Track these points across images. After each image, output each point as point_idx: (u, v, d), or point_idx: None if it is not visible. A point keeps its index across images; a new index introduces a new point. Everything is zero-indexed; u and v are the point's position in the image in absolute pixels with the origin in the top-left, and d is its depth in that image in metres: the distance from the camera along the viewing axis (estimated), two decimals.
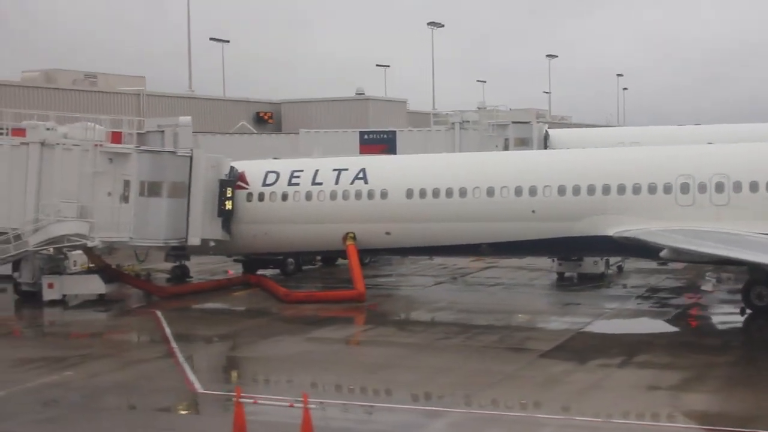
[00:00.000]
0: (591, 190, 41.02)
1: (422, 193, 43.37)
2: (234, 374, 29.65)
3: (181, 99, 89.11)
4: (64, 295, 43.00)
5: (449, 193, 42.95)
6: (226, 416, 22.71)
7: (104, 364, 30.43)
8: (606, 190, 40.84)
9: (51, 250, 43.59)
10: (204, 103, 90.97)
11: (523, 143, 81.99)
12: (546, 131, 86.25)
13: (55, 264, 44.84)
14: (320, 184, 45.14)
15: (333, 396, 25.75)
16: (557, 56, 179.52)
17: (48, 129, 43.10)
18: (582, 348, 31.41)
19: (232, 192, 45.37)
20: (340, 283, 48.28)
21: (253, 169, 46.85)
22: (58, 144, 42.67)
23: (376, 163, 46.10)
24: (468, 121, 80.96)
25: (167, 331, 35.69)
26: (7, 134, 43.65)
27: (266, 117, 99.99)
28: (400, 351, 31.67)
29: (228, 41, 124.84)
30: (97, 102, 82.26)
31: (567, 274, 47.59)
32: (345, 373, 28.75)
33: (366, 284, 42.13)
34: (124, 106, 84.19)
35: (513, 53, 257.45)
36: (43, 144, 42.67)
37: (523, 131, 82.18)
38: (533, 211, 41.51)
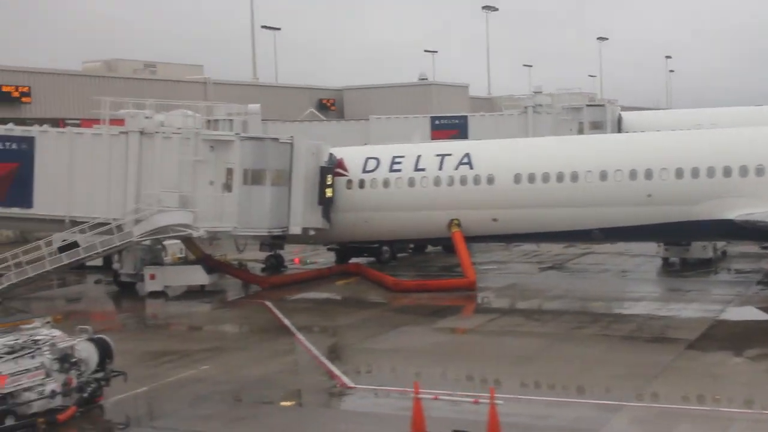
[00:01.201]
0: (711, 172, 39.59)
1: (531, 178, 42.08)
2: (380, 367, 28.40)
3: (246, 87, 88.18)
4: (167, 287, 42.13)
5: (560, 177, 41.66)
6: (399, 413, 21.65)
7: (238, 358, 29.46)
8: (727, 172, 39.40)
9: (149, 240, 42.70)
10: (268, 91, 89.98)
11: (598, 127, 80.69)
12: (619, 114, 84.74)
13: (155, 255, 44.01)
14: (423, 170, 43.97)
15: (496, 390, 24.48)
16: (607, 39, 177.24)
17: (146, 117, 42.23)
18: (729, 336, 30.14)
19: (332, 179, 44.25)
20: (438, 270, 47.34)
21: (352, 155, 45.76)
22: (157, 132, 41.77)
23: (482, 148, 44.90)
24: (541, 105, 79.46)
25: (286, 322, 34.68)
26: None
27: (329, 104, 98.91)
28: (539, 341, 30.48)
29: (279, 29, 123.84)
30: (164, 91, 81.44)
31: (671, 259, 46.19)
32: (495, 366, 27.54)
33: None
34: (190, 94, 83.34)
35: (555, 36, 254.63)
36: (142, 133, 41.79)
37: (598, 114, 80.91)
38: (649, 195, 40.14)
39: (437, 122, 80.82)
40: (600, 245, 50.92)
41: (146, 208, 40.85)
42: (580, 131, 79.41)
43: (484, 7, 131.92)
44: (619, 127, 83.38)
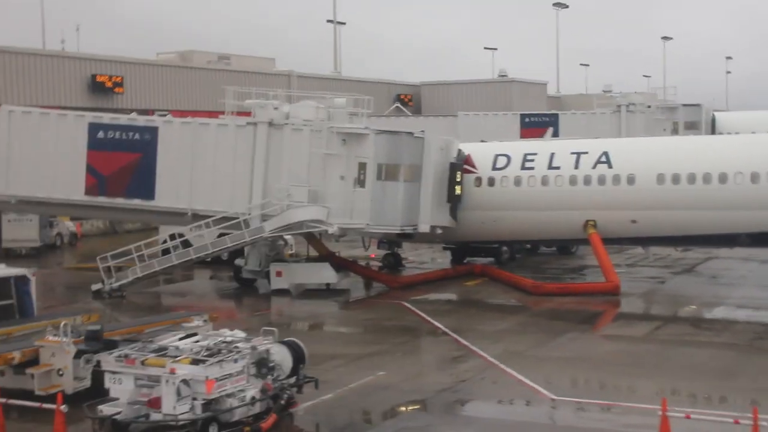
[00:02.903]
0: None
1: (675, 179, 40.15)
2: (570, 378, 26.60)
3: (327, 80, 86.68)
4: (293, 284, 40.58)
5: (707, 178, 39.71)
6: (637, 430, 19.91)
7: (410, 363, 28.04)
8: None
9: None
10: (349, 85, 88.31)
11: (693, 127, 78.50)
12: (713, 115, 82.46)
13: (277, 251, 42.50)
14: (557, 168, 42.13)
15: (719, 407, 22.69)
16: (672, 38, 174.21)
17: (275, 108, 40.71)
18: None
19: (461, 176, 42.49)
20: (563, 273, 45.59)
21: (481, 151, 44.02)
22: (286, 124, 40.23)
23: (621, 146, 43.08)
24: (634, 104, 77.26)
25: (438, 324, 33.06)
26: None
27: (406, 99, 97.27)
28: (728, 353, 28.62)
29: (344, 23, 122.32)
30: (246, 83, 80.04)
31: None
32: (700, 381, 25.58)
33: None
34: (274, 87, 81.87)
35: (609, 35, 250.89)
36: (270, 124, 40.28)
37: (693, 114, 78.66)
38: None
39: (527, 119, 78.93)
40: (720, 250, 48.79)
41: (276, 202, 39.32)
42: (674, 131, 77.29)
43: (554, 4, 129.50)
44: (713, 128, 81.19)
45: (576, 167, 41.79)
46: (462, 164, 42.68)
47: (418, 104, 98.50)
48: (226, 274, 45.69)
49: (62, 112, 44.38)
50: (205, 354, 21.07)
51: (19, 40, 70.16)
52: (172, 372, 20.05)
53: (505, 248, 47.60)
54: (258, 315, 36.41)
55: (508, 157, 43.16)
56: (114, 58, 67.88)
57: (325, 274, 40.70)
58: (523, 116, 79.21)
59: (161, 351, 21.52)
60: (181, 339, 22.59)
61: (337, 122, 39.82)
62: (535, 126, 77.60)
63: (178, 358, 20.72)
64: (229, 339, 22.38)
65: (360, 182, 39.42)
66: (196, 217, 40.83)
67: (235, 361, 21.06)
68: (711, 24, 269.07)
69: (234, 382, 20.89)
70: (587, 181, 41.47)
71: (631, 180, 40.82)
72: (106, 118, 42.92)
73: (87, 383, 23.86)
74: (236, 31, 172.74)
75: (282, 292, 40.53)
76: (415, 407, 23.27)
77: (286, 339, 23.19)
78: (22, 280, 29.12)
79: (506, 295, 39.82)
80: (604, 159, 41.54)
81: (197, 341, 22.24)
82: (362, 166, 39.48)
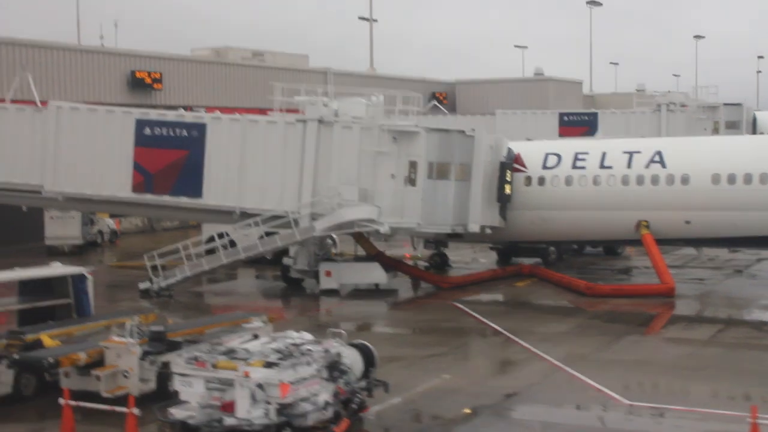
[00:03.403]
0: None
1: (731, 179, 39.47)
2: (638, 382, 25.93)
3: (364, 77, 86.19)
4: (342, 284, 40.18)
5: (764, 179, 38.99)
6: None
7: (475, 366, 27.73)
8: None
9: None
10: (384, 82, 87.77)
11: (734, 126, 77.49)
12: (754, 114, 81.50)
13: (326, 251, 42.05)
14: (609, 167, 41.50)
15: None
16: (704, 37, 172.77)
17: (324, 105, 40.26)
18: None
19: (511, 175, 41.90)
20: (613, 273, 44.93)
21: (531, 150, 43.43)
22: (336, 121, 39.77)
23: (674, 146, 42.34)
24: (674, 103, 76.39)
25: (494, 326, 32.57)
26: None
27: (441, 97, 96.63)
28: None
29: (376, 20, 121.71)
30: (283, 80, 79.70)
31: None
32: None
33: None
34: (312, 83, 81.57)
35: (638, 34, 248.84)
36: (320, 121, 39.83)
37: (734, 114, 77.63)
38: None
39: (566, 118, 78.18)
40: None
41: (326, 201, 38.89)
42: (715, 131, 76.33)
43: (588, 2, 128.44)
44: (754, 128, 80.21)
45: (629, 167, 41.16)
46: (512, 163, 42.10)
47: (452, 102, 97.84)
48: (271, 273, 45.32)
49: (110, 108, 44.03)
50: (277, 357, 20.62)
51: (53, 36, 70.07)
52: (246, 375, 19.60)
53: (552, 248, 46.91)
54: (310, 315, 35.99)
55: (559, 156, 42.56)
56: (153, 54, 67.56)
57: (375, 274, 40.24)
58: (561, 115, 78.47)
59: (230, 353, 21.09)
60: (248, 341, 22.19)
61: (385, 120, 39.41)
62: (574, 125, 76.91)
63: (250, 361, 20.27)
64: (298, 341, 21.93)
65: (411, 181, 38.96)
66: (244, 215, 40.43)
67: (309, 364, 20.60)
68: (739, 23, 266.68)
69: (307, 386, 20.42)
70: (640, 180, 40.82)
71: (685, 180, 40.16)
72: (154, 114, 42.58)
73: (152, 385, 23.49)
74: (266, 28, 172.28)
75: (330, 292, 40.11)
76: (488, 412, 22.73)
77: (356, 341, 22.70)
78: (79, 279, 28.80)
79: (559, 296, 39.20)
80: (657, 158, 40.89)
81: (266, 343, 21.81)
82: (413, 165, 39.03)
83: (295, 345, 21.56)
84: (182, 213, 43.26)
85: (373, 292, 40.25)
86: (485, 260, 48.90)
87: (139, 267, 42.79)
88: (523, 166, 42.66)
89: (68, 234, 53.64)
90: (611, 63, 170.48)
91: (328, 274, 40.07)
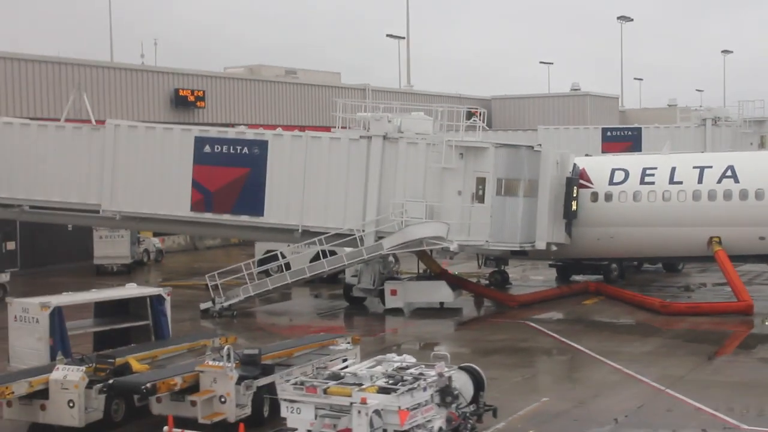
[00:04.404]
0: None
1: None
2: (750, 405, 24.86)
3: (401, 93, 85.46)
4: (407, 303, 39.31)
5: None
6: None
7: (569, 388, 26.61)
8: None
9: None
10: (423, 98, 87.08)
11: None
12: None
13: (390, 269, 41.16)
14: (680, 183, 40.54)
15: None
16: (732, 52, 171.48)
17: (389, 121, 39.53)
18: None
19: (577, 191, 40.97)
20: (680, 290, 43.86)
21: (596, 165, 42.50)
22: (401, 137, 39.03)
23: (747, 160, 41.31)
24: (719, 117, 75.21)
25: (577, 346, 31.60)
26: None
27: (476, 113, 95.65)
28: None
29: (403, 37, 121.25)
30: (325, 96, 79.27)
31: None
32: None
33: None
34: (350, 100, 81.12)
35: (653, 49, 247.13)
36: (384, 137, 39.07)
37: None
38: None
39: (609, 133, 77.03)
40: None
41: (393, 218, 38.10)
42: (762, 145, 75.15)
43: (619, 18, 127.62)
44: None
45: (699, 182, 40.21)
46: (578, 179, 41.17)
47: (488, 118, 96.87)
48: (326, 291, 44.56)
49: (168, 125, 43.36)
50: (388, 382, 19.74)
51: (88, 54, 69.26)
52: (364, 402, 18.70)
53: (614, 265, 45.90)
54: (380, 335, 35.13)
55: (626, 172, 41.64)
56: (196, 72, 66.96)
57: (441, 293, 39.37)
58: (605, 130, 77.33)
59: (336, 378, 20.24)
60: (350, 365, 21.36)
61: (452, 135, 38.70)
62: (617, 140, 75.76)
63: (364, 387, 19.39)
64: (404, 365, 21.06)
65: (478, 197, 38.12)
66: (306, 233, 39.65)
67: (424, 389, 19.70)
68: (761, 38, 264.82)
69: (423, 412, 19.52)
70: (712, 196, 39.85)
71: (759, 195, 39.20)
72: (213, 131, 41.87)
73: (248, 411, 22.62)
74: (294, 46, 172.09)
75: (393, 311, 39.28)
76: None
77: (464, 364, 21.79)
78: (158, 300, 27.99)
79: (631, 314, 38.18)
80: (729, 173, 39.93)
81: (371, 367, 20.95)
82: (480, 181, 38.24)
83: (402, 369, 20.71)
84: (242, 231, 42.43)
85: (437, 311, 39.42)
86: (541, 277, 47.99)
87: (192, 286, 41.96)
88: (589, 181, 41.72)
89: (117, 253, 52.88)
90: (635, 78, 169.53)
91: (394, 292, 39.21)
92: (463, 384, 21.21)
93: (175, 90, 64.08)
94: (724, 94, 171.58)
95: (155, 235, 58.99)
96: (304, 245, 40.08)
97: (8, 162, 42.43)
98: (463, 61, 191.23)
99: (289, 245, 44.84)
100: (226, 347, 22.64)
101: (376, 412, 18.66)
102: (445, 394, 20.34)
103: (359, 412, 18.65)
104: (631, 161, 42.70)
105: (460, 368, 21.57)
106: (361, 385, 19.61)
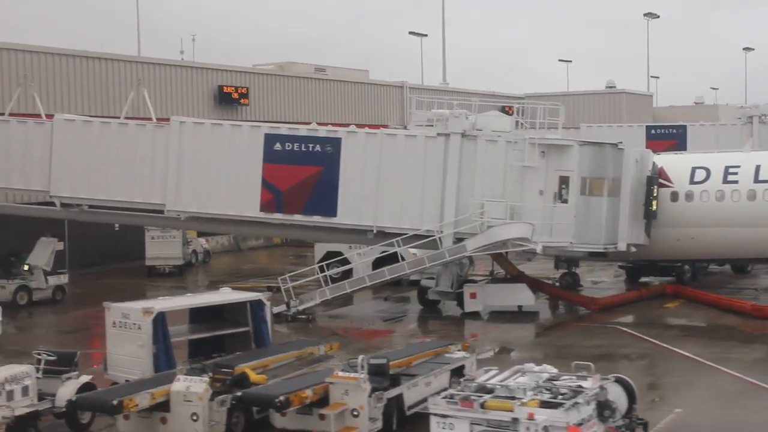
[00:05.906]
0: None
1: None
2: None
3: (438, 91, 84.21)
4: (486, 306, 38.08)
5: None
6: None
7: (698, 397, 25.59)
8: None
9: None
10: (458, 96, 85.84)
11: None
12: None
13: (466, 271, 39.88)
14: (765, 182, 39.28)
15: None
16: (753, 49, 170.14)
17: (466, 118, 38.29)
18: None
19: (657, 190, 39.69)
20: (752, 291, 42.72)
21: (676, 164, 41.25)
22: (480, 135, 37.78)
23: None
24: (766, 114, 73.87)
25: (682, 352, 30.35)
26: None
27: (510, 111, 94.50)
28: None
29: (426, 35, 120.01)
30: (352, 93, 78.18)
31: None
32: None
33: None
34: (387, 97, 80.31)
35: (666, 47, 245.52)
36: (463, 135, 37.82)
37: None
38: None
39: (653, 131, 75.73)
40: None
41: (474, 219, 36.84)
42: None
43: (645, 14, 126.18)
44: None
45: None
46: (658, 178, 39.89)
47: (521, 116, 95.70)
48: (393, 294, 43.35)
49: (236, 122, 42.07)
50: (546, 395, 18.50)
51: (117, 49, 67.60)
52: (531, 417, 17.44)
53: (687, 267, 44.60)
54: (471, 340, 33.88)
55: (707, 170, 40.37)
56: (239, 69, 65.76)
57: (522, 296, 38.06)
58: (648, 128, 76.06)
59: (485, 390, 19.00)
60: (494, 376, 20.10)
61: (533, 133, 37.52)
62: (662, 138, 74.38)
63: (525, 401, 18.13)
64: (551, 376, 19.82)
65: (560, 197, 36.87)
66: (381, 234, 38.40)
67: (588, 403, 18.43)
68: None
69: (588, 428, 18.25)
70: None
71: None
72: (284, 128, 40.58)
73: (379, 424, 21.39)
74: (322, 44, 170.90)
75: (470, 315, 38.02)
76: None
77: (615, 376, 20.51)
78: (258, 305, 26.74)
79: (721, 318, 36.87)
80: None
81: (517, 378, 19.71)
82: (563, 180, 37.01)
83: (553, 381, 19.47)
84: (314, 233, 40.95)
85: (515, 314, 38.12)
86: (608, 279, 46.82)
87: (252, 288, 40.48)
88: (669, 180, 40.46)
89: (169, 254, 51.67)
90: (652, 77, 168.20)
91: (473, 296, 37.93)
92: (617, 396, 19.93)
93: (219, 87, 62.81)
94: (746, 91, 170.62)
95: (200, 235, 57.69)
96: (379, 246, 38.79)
97: (69, 160, 41.11)
98: (469, 61, 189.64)
99: (351, 247, 43.68)
100: (360, 357, 21.36)
101: (545, 428, 17.41)
102: (604, 407, 19.07)
103: (527, 428, 17.40)
104: (712, 159, 41.38)
105: (616, 381, 20.27)
106: (516, 398, 18.37)
